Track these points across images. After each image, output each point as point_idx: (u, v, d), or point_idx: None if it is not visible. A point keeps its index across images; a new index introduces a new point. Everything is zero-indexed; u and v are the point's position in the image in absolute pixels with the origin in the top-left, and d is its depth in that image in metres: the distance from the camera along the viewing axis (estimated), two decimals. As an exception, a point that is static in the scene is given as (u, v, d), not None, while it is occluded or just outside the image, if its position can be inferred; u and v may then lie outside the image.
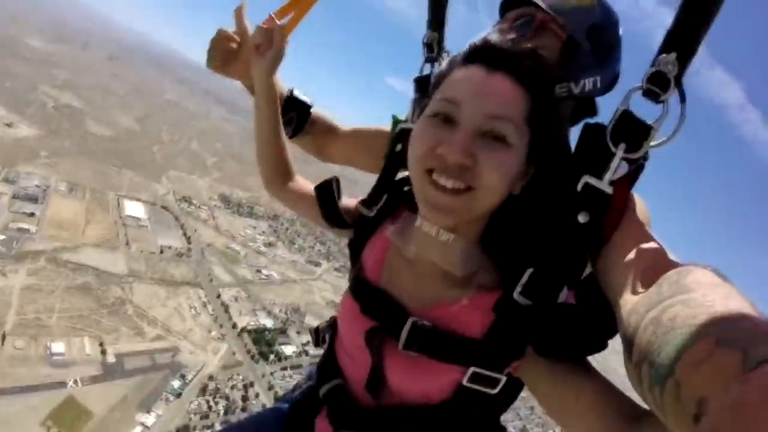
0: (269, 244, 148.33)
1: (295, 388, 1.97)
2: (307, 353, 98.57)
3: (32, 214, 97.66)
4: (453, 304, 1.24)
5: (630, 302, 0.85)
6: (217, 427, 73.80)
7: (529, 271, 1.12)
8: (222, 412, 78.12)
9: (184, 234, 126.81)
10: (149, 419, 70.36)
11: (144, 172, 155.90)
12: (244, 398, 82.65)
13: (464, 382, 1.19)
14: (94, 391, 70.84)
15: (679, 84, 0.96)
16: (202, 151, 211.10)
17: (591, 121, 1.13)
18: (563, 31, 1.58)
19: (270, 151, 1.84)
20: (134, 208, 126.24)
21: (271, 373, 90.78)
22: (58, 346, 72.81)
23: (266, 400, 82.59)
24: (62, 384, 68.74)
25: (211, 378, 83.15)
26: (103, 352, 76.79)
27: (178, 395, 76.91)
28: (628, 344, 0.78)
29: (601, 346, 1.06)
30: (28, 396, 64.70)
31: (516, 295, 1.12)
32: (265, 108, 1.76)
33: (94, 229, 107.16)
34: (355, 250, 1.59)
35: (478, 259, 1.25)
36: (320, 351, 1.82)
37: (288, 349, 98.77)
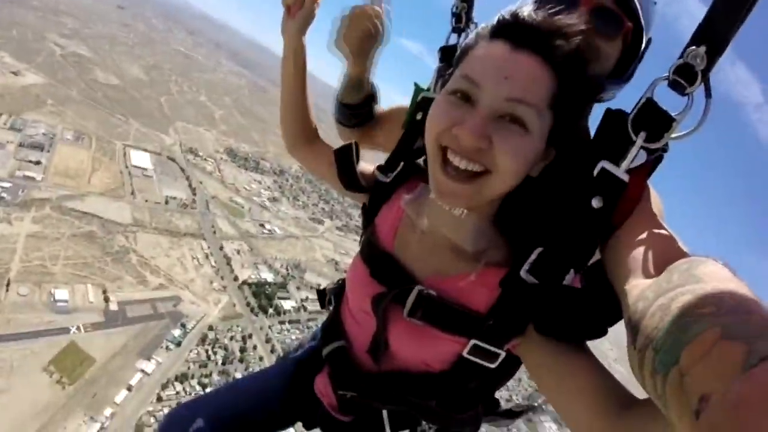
0: (273, 199, 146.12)
1: (299, 347, 2.05)
2: (305, 309, 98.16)
3: (38, 162, 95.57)
4: (461, 277, 1.23)
5: (638, 288, 0.83)
6: (215, 376, 74.39)
7: (538, 250, 1.11)
8: (220, 361, 78.09)
9: (190, 185, 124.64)
10: (149, 366, 70.35)
11: (151, 123, 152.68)
12: (242, 349, 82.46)
13: (464, 353, 1.20)
14: (96, 338, 70.61)
15: (705, 78, 0.92)
16: (210, 103, 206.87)
17: (611, 107, 1.09)
18: (629, 37, 1.42)
19: (295, 114, 1.83)
20: (140, 158, 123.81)
21: (270, 327, 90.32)
22: (61, 293, 72.16)
23: (263, 353, 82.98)
24: (65, 330, 68.30)
25: (210, 328, 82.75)
26: (106, 300, 76.33)
27: (178, 344, 76.67)
28: (634, 329, 0.76)
29: (602, 332, 1.04)
30: (31, 342, 64.16)
31: (523, 272, 1.11)
32: (293, 71, 1.73)
33: (100, 178, 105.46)
34: (369, 214, 1.58)
35: (489, 236, 1.24)
36: (318, 307, 1.90)
37: (287, 304, 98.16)
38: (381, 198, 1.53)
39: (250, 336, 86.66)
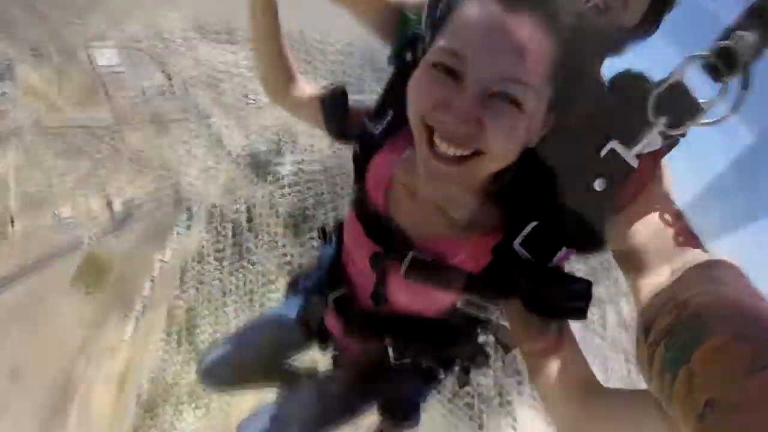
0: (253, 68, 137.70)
1: (308, 276, 2.07)
2: (303, 171, 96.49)
3: (3, 94, 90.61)
4: (454, 242, 1.18)
5: (652, 283, 0.81)
6: (228, 250, 76.06)
7: (533, 224, 1.03)
8: (230, 235, 79.32)
9: (163, 71, 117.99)
10: (166, 255, 72.09)
11: (109, 17, 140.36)
12: (249, 219, 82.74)
13: (458, 305, 1.22)
14: (110, 243, 72.11)
15: (746, 69, 0.77)
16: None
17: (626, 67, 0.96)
18: None
19: (271, 63, 1.56)
20: (107, 57, 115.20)
21: (271, 193, 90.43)
22: (65, 212, 72.34)
23: (270, 219, 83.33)
24: (78, 244, 69.51)
25: (215, 206, 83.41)
26: (109, 205, 76.57)
27: (188, 227, 77.47)
28: (646, 323, 0.73)
29: (582, 315, 1.00)
30: (50, 267, 65.62)
31: (516, 244, 1.04)
32: (263, 16, 1.42)
33: (71, 89, 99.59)
34: (359, 165, 1.41)
35: (482, 206, 1.14)
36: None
37: (284, 169, 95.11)
38: (371, 148, 1.36)
39: (254, 206, 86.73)
